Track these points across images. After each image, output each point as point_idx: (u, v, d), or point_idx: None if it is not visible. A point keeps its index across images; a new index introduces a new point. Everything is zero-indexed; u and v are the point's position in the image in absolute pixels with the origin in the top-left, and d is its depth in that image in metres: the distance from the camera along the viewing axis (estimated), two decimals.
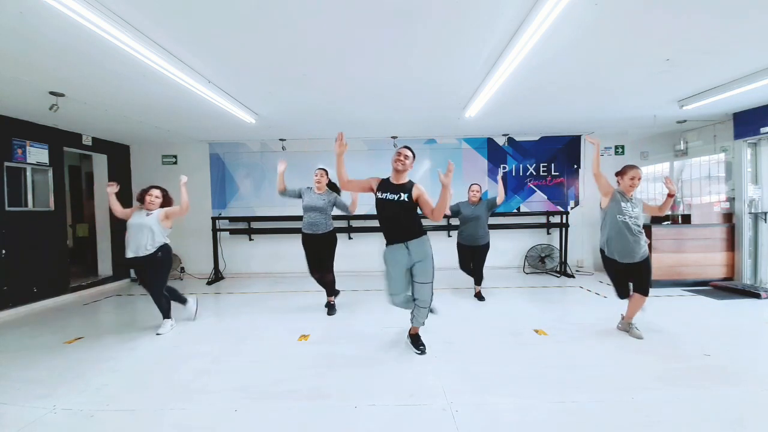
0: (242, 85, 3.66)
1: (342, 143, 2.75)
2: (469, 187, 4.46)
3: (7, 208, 4.39)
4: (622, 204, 3.08)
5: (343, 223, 6.15)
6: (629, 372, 2.59)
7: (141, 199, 3.53)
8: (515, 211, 6.44)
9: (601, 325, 3.51)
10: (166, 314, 3.66)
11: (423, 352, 2.97)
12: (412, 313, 3.03)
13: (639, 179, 3.07)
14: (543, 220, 6.42)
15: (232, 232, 6.43)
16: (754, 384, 2.41)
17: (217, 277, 6.15)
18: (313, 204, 3.89)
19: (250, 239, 6.47)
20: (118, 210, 3.56)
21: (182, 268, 6.42)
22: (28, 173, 4.66)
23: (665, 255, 5.04)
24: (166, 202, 3.61)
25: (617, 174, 3.22)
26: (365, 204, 5.82)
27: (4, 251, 4.35)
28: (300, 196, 3.98)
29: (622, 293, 3.32)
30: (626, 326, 3.31)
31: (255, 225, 6.37)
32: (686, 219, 5.36)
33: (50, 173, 4.92)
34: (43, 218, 4.82)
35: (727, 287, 4.79)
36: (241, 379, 2.59)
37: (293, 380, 2.57)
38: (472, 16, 2.43)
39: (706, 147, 5.60)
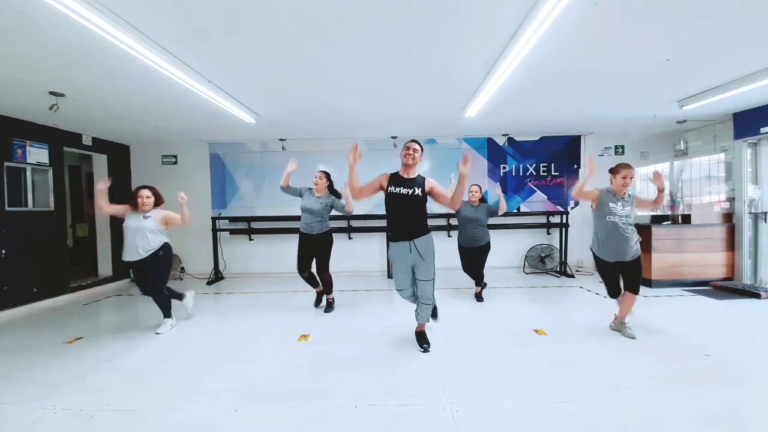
0: (242, 85, 3.66)
1: (356, 154, 2.78)
2: (468, 188, 4.45)
3: (7, 208, 4.39)
4: (611, 204, 3.08)
5: (342, 223, 6.16)
6: (629, 372, 2.59)
7: (133, 202, 3.45)
8: (515, 211, 6.44)
9: (601, 325, 3.51)
10: (167, 313, 3.67)
11: (426, 350, 3.00)
12: (416, 310, 3.08)
13: (631, 178, 3.05)
14: (543, 220, 6.42)
15: (232, 232, 6.43)
16: (755, 384, 2.41)
17: (217, 277, 6.16)
18: (309, 207, 3.96)
19: (250, 239, 6.47)
20: (105, 206, 3.45)
21: (182, 268, 6.42)
22: (28, 173, 4.66)
23: (665, 255, 5.04)
24: (158, 200, 3.57)
25: (611, 171, 3.19)
26: (365, 204, 5.87)
27: (4, 251, 4.35)
28: (300, 196, 4.04)
29: (614, 292, 3.33)
30: (619, 326, 3.31)
31: (255, 225, 6.38)
32: (686, 219, 5.37)
33: (50, 173, 4.92)
34: (43, 218, 4.82)
35: (727, 287, 4.79)
36: (241, 379, 2.59)
37: (293, 380, 2.57)
38: (472, 18, 2.43)
39: (706, 147, 5.59)
